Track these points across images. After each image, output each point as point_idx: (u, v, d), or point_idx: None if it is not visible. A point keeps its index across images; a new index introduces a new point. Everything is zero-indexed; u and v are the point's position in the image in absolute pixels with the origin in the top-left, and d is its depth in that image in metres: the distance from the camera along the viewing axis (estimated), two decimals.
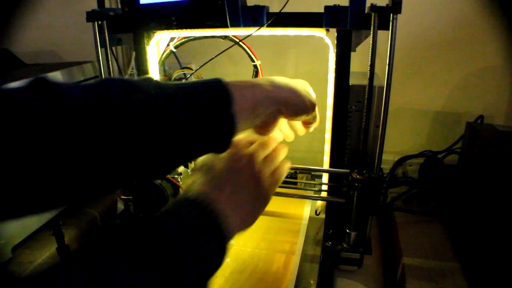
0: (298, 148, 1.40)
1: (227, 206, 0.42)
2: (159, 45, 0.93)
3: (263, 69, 0.99)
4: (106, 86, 0.37)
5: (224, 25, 0.76)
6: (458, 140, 1.11)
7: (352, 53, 0.73)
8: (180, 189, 0.83)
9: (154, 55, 0.91)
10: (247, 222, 0.46)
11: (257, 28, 0.74)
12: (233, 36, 0.90)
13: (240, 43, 0.90)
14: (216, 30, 0.80)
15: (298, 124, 0.63)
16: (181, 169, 0.86)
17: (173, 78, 1.04)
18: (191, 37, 0.95)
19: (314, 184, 1.03)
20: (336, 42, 0.73)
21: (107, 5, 1.19)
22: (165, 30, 0.84)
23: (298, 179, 1.13)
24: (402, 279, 0.84)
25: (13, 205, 0.32)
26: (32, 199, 0.33)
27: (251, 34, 0.77)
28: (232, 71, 1.36)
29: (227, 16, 0.74)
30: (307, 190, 1.01)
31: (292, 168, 1.14)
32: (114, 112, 0.35)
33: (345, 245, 0.81)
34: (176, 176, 0.83)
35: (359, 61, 0.77)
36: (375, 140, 0.76)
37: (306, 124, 0.62)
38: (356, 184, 0.75)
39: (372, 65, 0.68)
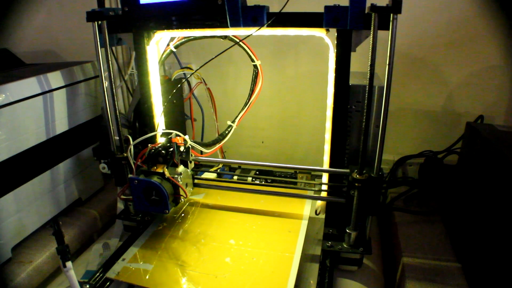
0: (298, 148, 1.41)
1: None
2: (159, 45, 0.93)
3: (263, 69, 0.99)
4: None
5: (224, 25, 0.75)
6: (458, 140, 1.11)
7: (352, 53, 0.73)
8: (180, 188, 0.83)
9: (154, 55, 0.91)
10: None
11: (257, 28, 0.74)
12: (233, 36, 0.90)
13: (240, 43, 0.90)
14: (216, 30, 0.80)
15: None
16: (180, 168, 0.86)
17: (173, 78, 1.04)
18: (191, 37, 0.95)
19: (314, 184, 1.03)
20: (336, 42, 0.73)
21: (107, 5, 1.18)
22: (165, 30, 0.84)
23: (298, 179, 1.13)
24: (402, 279, 0.84)
25: None
26: None
27: (251, 34, 0.77)
28: (232, 71, 1.36)
29: (227, 16, 0.74)
30: (307, 190, 1.01)
31: (292, 168, 1.15)
32: None
33: (345, 245, 0.81)
34: (176, 176, 0.83)
35: (359, 61, 0.77)
36: (375, 140, 0.76)
37: None
38: (356, 184, 0.75)
39: (372, 65, 0.67)
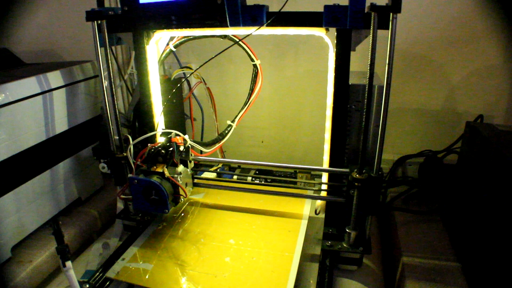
0: (298, 147, 1.41)
1: None
2: (158, 44, 0.93)
3: (262, 68, 0.99)
4: None
5: (224, 25, 0.75)
6: (458, 140, 1.11)
7: (352, 53, 0.73)
8: (180, 188, 0.83)
9: (154, 54, 0.91)
10: None
11: (256, 27, 0.74)
12: (232, 35, 0.90)
13: (240, 42, 0.90)
14: (215, 29, 0.80)
15: None
16: (180, 168, 0.86)
17: (172, 77, 1.04)
18: (190, 36, 0.95)
19: (314, 183, 1.03)
20: (336, 41, 0.73)
21: (106, 4, 1.18)
22: (165, 30, 0.84)
23: (298, 179, 1.13)
24: (402, 279, 0.84)
25: None
26: None
27: (250, 34, 0.77)
28: (231, 70, 1.36)
29: (227, 16, 0.74)
30: (307, 189, 1.01)
31: (291, 168, 1.15)
32: None
33: (344, 245, 0.81)
34: (176, 175, 0.83)
35: (358, 61, 0.77)
36: (374, 140, 0.76)
37: None
38: (356, 183, 0.75)
39: (372, 65, 0.67)
